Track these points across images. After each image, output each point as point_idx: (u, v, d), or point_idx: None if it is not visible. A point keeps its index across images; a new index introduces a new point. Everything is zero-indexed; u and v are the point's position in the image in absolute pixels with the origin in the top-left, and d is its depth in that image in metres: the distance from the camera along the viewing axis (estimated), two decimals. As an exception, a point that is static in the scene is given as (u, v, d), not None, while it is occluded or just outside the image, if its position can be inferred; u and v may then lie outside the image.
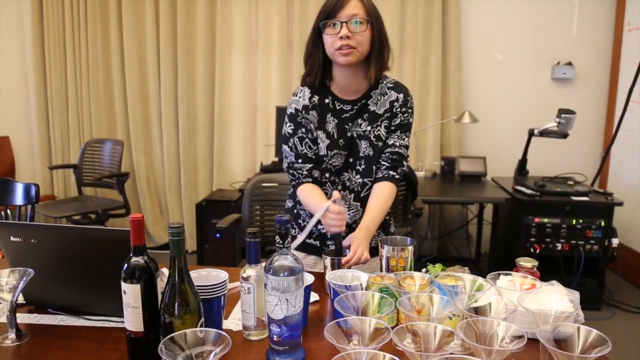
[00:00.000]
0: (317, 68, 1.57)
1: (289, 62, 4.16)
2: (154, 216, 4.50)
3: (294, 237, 1.70)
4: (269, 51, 4.16)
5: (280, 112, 3.61)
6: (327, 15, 1.47)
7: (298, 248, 1.70)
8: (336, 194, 1.48)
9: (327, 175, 1.66)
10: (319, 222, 1.53)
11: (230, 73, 4.26)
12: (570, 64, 3.99)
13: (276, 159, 3.80)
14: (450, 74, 4.07)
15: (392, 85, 1.64)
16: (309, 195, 1.61)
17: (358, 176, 1.66)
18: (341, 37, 1.46)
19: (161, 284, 1.05)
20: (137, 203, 4.46)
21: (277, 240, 1.06)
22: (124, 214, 3.96)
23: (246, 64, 4.25)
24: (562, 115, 3.36)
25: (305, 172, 1.64)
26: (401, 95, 1.63)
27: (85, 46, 4.27)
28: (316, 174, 1.65)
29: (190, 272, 1.05)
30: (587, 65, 4.03)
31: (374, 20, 1.49)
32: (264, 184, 2.49)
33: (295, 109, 1.64)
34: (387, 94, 1.63)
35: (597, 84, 4.06)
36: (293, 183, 1.68)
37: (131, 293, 1.01)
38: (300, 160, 1.64)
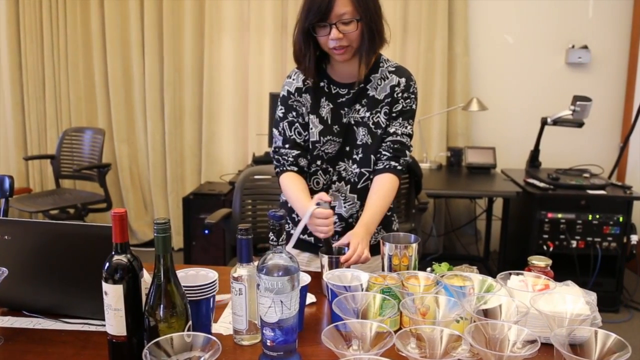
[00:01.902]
0: (312, 67, 1.57)
1: (283, 46, 4.13)
2: (138, 211, 4.49)
3: (288, 234, 1.70)
4: (262, 34, 4.13)
5: (274, 98, 3.60)
6: (316, 16, 1.47)
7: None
8: (323, 196, 1.47)
9: (318, 162, 1.66)
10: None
11: (220, 57, 4.24)
12: (586, 47, 3.98)
13: (269, 150, 3.78)
14: (456, 59, 4.05)
15: (393, 69, 1.64)
16: (292, 188, 1.62)
17: (355, 166, 1.65)
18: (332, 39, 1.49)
19: (145, 284, 1.05)
20: (119, 197, 4.45)
21: (271, 238, 1.06)
22: (106, 208, 3.95)
23: (237, 48, 4.22)
24: (577, 103, 3.36)
25: (290, 159, 1.65)
26: (403, 80, 1.62)
27: (63, 26, 4.23)
28: (302, 162, 1.66)
29: (176, 272, 1.05)
30: (604, 49, 4.02)
31: (363, 13, 1.48)
32: (256, 177, 2.49)
33: (288, 91, 1.66)
34: (387, 78, 1.63)
35: (614, 69, 4.05)
36: (277, 170, 1.69)
37: (113, 294, 1.01)
38: (287, 146, 1.66)
